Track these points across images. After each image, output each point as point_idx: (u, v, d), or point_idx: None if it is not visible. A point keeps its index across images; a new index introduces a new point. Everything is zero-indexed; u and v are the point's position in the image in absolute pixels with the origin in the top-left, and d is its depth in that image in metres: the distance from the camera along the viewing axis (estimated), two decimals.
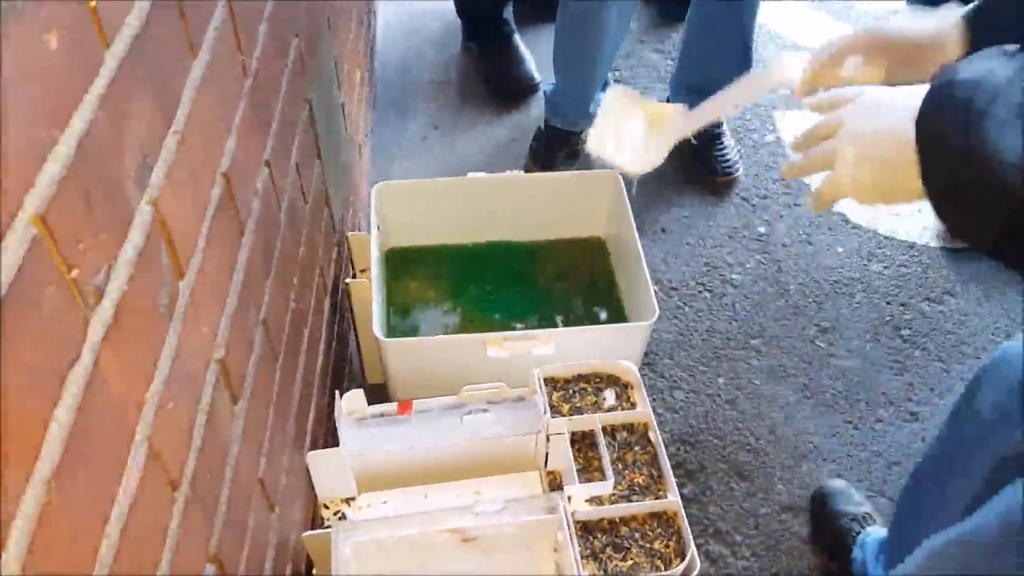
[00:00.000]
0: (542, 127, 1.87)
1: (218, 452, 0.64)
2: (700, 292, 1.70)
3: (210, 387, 0.62)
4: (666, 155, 0.83)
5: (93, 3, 0.44)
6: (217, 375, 0.64)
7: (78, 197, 0.41)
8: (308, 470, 0.99)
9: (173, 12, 0.57)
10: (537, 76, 2.06)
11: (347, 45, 1.51)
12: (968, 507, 0.92)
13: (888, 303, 1.69)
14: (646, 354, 1.56)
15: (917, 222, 1.82)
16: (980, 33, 0.68)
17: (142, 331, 0.50)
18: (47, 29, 0.39)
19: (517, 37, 2.10)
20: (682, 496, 1.41)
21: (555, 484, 1.08)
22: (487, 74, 2.09)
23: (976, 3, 0.70)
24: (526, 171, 1.85)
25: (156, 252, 0.52)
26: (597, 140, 0.83)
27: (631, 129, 0.83)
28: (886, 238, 1.80)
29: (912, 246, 1.78)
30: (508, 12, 2.09)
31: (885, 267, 1.75)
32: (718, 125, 1.87)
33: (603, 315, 1.49)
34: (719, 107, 0.77)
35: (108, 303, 0.45)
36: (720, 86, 0.78)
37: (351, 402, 1.08)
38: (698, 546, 1.31)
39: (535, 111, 1.98)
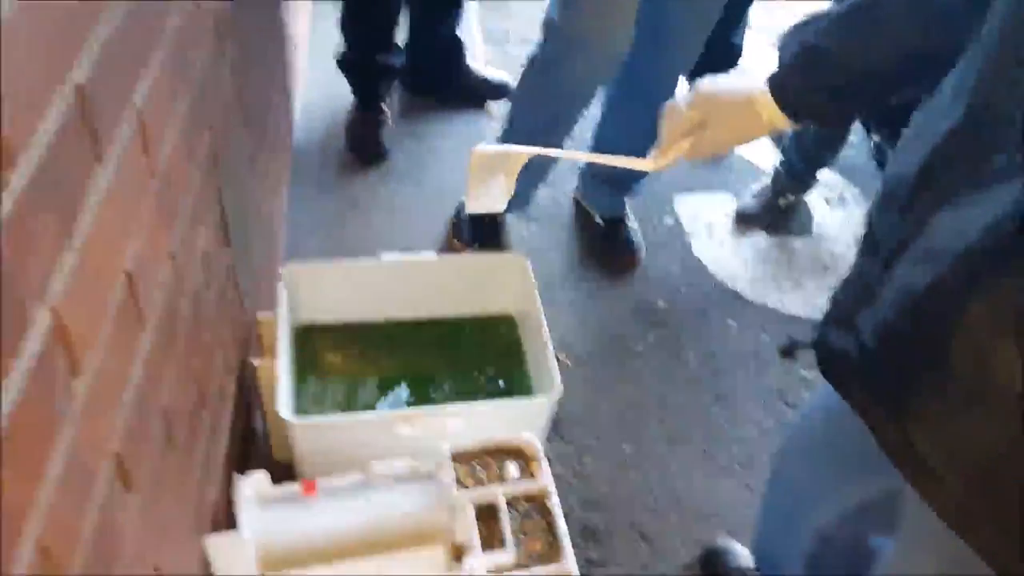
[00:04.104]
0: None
1: (111, 545, 0.65)
2: (607, 362, 1.79)
3: (104, 480, 0.64)
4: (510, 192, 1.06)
5: None
6: (112, 468, 0.65)
7: None
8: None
9: (79, 126, 0.60)
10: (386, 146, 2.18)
11: (262, 129, 1.56)
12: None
13: (775, 373, 1.81)
14: (556, 422, 1.61)
15: (799, 298, 1.98)
16: (782, 96, 0.84)
17: (36, 433, 0.52)
18: None
19: (385, 106, 2.22)
20: (589, 560, 1.46)
21: (460, 558, 1.10)
22: (347, 125, 2.22)
23: (776, 71, 0.85)
24: (448, 246, 1.91)
25: (53, 356, 0.54)
26: (473, 199, 1.03)
27: (497, 178, 1.04)
28: (772, 310, 1.94)
29: (796, 318, 1.92)
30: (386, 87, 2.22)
31: (772, 339, 1.88)
32: (623, 208, 1.99)
33: (510, 389, 1.54)
34: (588, 159, 1.00)
35: (3, 411, 0.47)
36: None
37: (253, 484, 1.09)
38: None
39: (448, 195, 2.06)
